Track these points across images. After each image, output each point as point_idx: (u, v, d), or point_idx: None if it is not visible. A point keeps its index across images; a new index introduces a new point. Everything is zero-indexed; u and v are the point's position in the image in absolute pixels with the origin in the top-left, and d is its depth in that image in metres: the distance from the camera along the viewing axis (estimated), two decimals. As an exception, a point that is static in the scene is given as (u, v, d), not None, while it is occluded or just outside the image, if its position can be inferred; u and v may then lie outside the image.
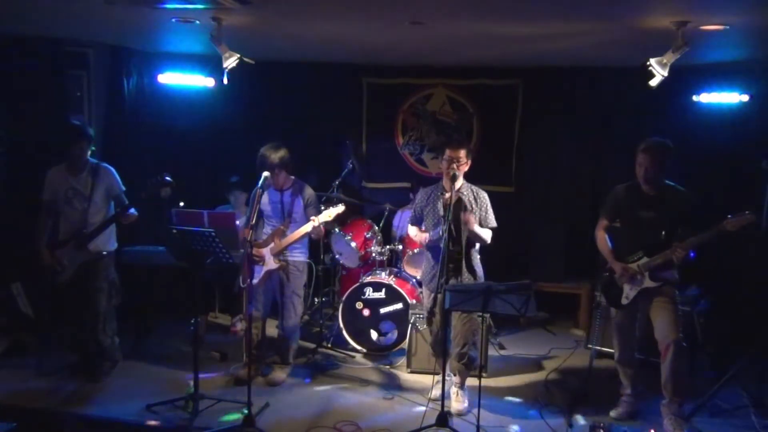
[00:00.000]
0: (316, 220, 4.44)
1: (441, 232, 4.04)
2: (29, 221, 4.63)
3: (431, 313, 4.34)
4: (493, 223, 4.32)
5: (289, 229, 4.60)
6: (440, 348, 4.28)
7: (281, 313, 4.75)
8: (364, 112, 6.91)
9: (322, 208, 4.61)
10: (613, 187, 4.29)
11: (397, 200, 6.42)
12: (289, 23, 4.44)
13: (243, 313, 4.93)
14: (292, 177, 4.71)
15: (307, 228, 4.47)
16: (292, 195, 4.65)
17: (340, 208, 4.52)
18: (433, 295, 4.27)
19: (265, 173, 4.43)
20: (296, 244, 4.64)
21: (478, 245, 4.35)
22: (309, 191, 4.71)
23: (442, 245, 3.99)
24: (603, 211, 4.33)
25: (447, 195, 4.24)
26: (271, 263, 4.59)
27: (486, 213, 4.31)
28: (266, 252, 4.59)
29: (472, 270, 4.31)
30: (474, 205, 4.26)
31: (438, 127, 6.79)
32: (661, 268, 4.03)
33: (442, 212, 4.20)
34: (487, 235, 4.26)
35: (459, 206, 4.22)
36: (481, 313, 4.32)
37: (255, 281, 4.61)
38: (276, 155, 4.50)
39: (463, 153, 4.23)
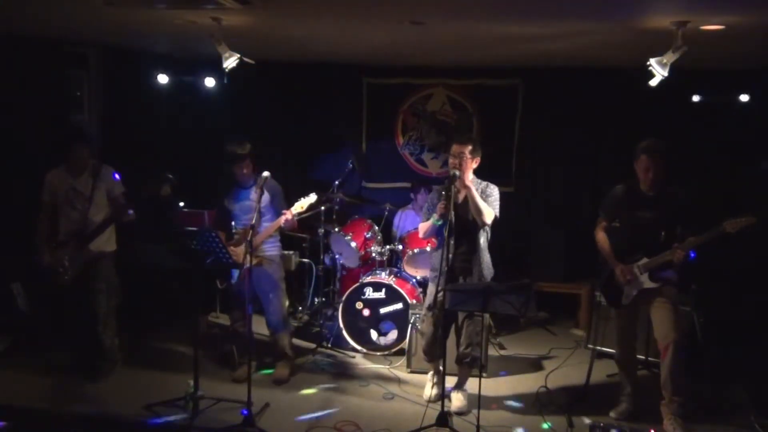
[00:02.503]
0: (289, 213, 4.47)
1: (447, 219, 4.00)
2: (29, 221, 4.63)
3: (430, 308, 4.32)
4: (497, 212, 4.24)
5: (261, 225, 4.60)
6: (438, 349, 4.27)
7: (265, 308, 4.78)
8: (364, 112, 6.91)
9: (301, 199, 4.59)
10: (611, 188, 4.29)
11: (397, 200, 6.42)
12: (289, 23, 4.44)
13: (232, 315, 4.94)
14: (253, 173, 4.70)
15: (280, 221, 4.51)
16: (257, 190, 4.57)
17: (313, 198, 4.55)
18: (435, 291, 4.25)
19: (265, 173, 4.44)
20: (269, 238, 4.67)
21: (485, 242, 4.33)
22: (273, 183, 4.68)
23: (444, 243, 3.98)
24: (602, 212, 4.33)
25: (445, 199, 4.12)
26: (247, 260, 4.59)
27: (491, 204, 4.22)
28: (240, 251, 4.56)
29: (480, 270, 4.27)
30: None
31: (438, 127, 6.79)
32: (661, 269, 4.03)
33: (442, 197, 4.13)
34: (487, 210, 4.15)
35: (465, 205, 4.22)
36: (481, 313, 4.32)
37: (234, 281, 4.67)
38: (244, 148, 4.56)
39: (468, 149, 4.19)
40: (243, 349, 4.71)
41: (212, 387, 4.44)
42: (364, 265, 5.85)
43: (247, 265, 4.53)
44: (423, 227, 4.41)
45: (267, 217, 4.64)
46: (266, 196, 4.62)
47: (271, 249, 4.75)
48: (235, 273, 4.64)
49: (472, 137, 4.47)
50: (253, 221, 4.27)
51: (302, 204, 4.50)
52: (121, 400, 4.35)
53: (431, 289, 4.40)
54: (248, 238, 4.12)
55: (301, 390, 4.67)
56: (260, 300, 4.77)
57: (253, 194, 4.60)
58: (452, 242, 4.17)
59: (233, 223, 4.77)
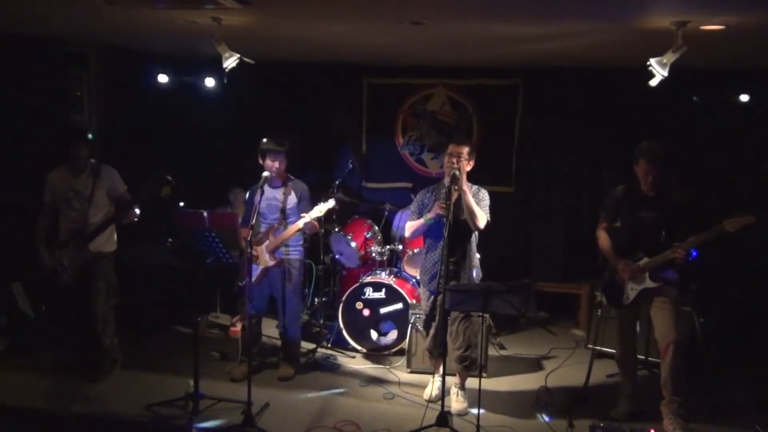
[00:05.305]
0: (307, 216, 4.47)
1: (443, 221, 3.99)
2: (30, 221, 4.63)
3: (431, 316, 4.33)
4: (488, 217, 4.27)
5: (283, 226, 4.62)
6: (440, 349, 4.27)
7: (281, 311, 4.77)
8: (364, 112, 6.91)
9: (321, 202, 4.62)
10: (611, 189, 4.29)
11: (397, 200, 6.41)
12: (290, 23, 4.44)
13: (241, 313, 4.95)
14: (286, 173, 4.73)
15: (299, 224, 4.49)
16: (286, 191, 4.67)
17: (331, 203, 4.55)
18: (432, 297, 4.27)
19: (265, 173, 4.46)
20: (291, 242, 4.66)
21: (475, 242, 4.34)
22: (302, 186, 4.74)
23: (441, 245, 3.98)
24: (602, 213, 4.33)
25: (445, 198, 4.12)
26: (268, 261, 4.61)
27: (483, 209, 4.25)
28: (262, 250, 4.60)
29: (470, 273, 4.29)
30: None
31: (438, 127, 6.79)
32: (662, 269, 4.03)
33: (443, 197, 4.13)
34: (481, 215, 4.17)
35: (459, 206, 4.21)
36: (480, 314, 4.32)
37: (252, 280, 4.65)
38: (282, 144, 4.59)
39: (465, 150, 4.20)
40: (247, 347, 4.70)
41: (212, 387, 4.44)
42: (364, 265, 5.85)
43: (261, 266, 4.57)
44: (411, 226, 4.40)
45: (292, 219, 4.64)
46: (293, 198, 4.66)
47: (293, 253, 4.75)
48: (256, 270, 4.65)
49: (470, 139, 4.48)
50: (252, 221, 4.27)
51: (320, 209, 4.49)
52: (121, 400, 4.35)
53: (426, 293, 4.40)
54: (248, 239, 4.12)
55: (301, 390, 4.66)
56: (276, 301, 4.79)
57: (280, 194, 4.65)
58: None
59: (260, 220, 4.77)
